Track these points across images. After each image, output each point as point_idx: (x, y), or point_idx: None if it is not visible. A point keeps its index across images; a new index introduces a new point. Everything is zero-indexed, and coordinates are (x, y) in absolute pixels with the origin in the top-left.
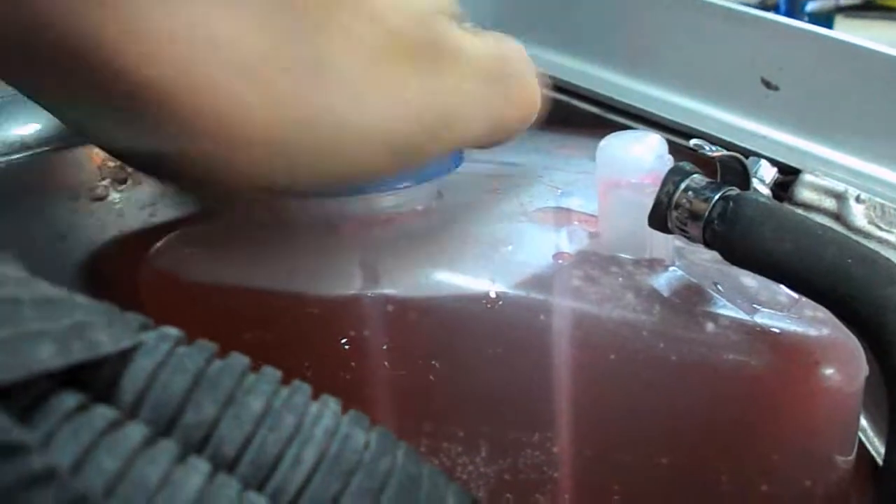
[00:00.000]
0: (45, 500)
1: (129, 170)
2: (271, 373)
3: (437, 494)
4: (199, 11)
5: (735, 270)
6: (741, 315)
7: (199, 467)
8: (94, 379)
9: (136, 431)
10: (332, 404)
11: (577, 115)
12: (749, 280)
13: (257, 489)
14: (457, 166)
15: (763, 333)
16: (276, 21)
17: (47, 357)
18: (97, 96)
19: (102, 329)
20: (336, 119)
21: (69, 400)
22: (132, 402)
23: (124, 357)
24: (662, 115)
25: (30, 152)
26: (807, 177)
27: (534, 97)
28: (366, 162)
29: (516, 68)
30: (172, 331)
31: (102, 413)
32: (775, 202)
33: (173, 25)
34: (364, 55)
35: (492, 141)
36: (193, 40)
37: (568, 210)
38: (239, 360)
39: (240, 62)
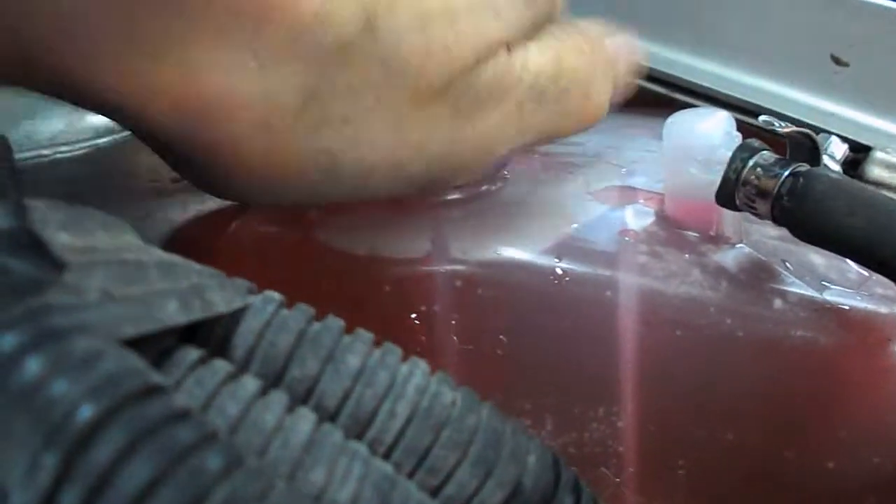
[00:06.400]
0: (185, 434)
1: None
2: (365, 334)
3: (520, 449)
4: (223, 70)
5: (803, 248)
6: (810, 292)
7: (308, 416)
8: (210, 336)
9: (251, 382)
10: (421, 365)
11: (640, 95)
12: (818, 258)
13: (356, 439)
14: None
15: (832, 310)
16: (308, 81)
17: (173, 313)
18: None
19: (216, 291)
20: (360, 168)
21: (192, 353)
22: (243, 358)
23: (235, 317)
24: (728, 93)
25: (114, 137)
26: (878, 154)
27: (591, 109)
28: (390, 193)
29: (575, 80)
30: (275, 294)
31: (221, 365)
32: (846, 177)
33: (199, 88)
34: (392, 112)
35: (536, 146)
36: (219, 99)
37: (633, 188)
38: (335, 321)
39: (266, 120)
